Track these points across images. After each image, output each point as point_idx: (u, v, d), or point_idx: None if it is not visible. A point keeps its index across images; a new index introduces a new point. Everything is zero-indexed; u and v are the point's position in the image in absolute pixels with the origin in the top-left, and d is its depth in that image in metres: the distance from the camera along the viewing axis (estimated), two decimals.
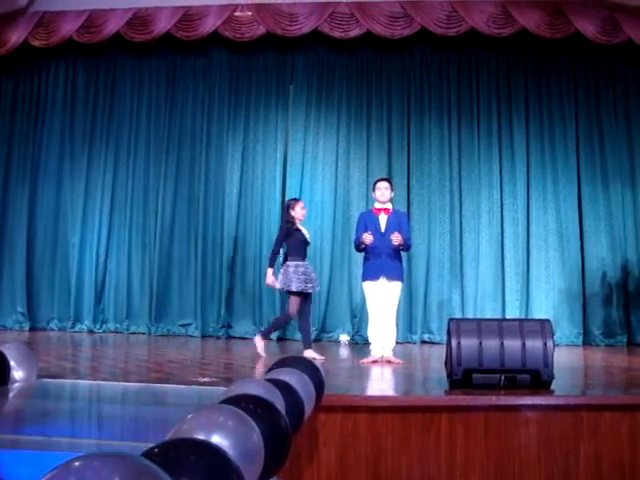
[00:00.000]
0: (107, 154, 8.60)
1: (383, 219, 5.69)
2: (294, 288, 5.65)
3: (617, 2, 7.35)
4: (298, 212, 5.91)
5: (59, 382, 3.93)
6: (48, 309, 8.44)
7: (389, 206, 5.79)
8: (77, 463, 1.04)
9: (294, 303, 5.70)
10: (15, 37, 8.19)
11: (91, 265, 8.40)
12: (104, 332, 8.25)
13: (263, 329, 6.18)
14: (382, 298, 5.54)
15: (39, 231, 8.56)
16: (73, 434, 2.45)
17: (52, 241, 8.54)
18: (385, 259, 5.57)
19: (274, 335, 7.91)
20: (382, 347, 5.56)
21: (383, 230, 5.63)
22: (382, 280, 5.55)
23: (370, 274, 5.59)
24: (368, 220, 5.72)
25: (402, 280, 5.73)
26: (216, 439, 1.46)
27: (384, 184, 5.82)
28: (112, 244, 8.48)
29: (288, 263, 5.75)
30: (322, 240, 8.06)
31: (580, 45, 7.96)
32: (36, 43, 8.27)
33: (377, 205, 5.78)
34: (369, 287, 5.60)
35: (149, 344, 7.32)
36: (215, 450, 1.35)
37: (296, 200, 6.16)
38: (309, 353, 5.52)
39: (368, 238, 5.52)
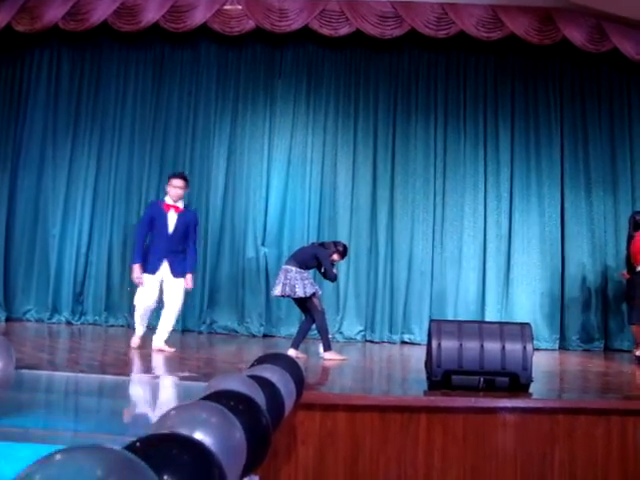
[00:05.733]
0: (91, 145, 8.47)
1: None
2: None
3: (605, 11, 7.42)
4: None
5: (37, 373, 3.88)
6: (25, 300, 8.29)
7: None
8: (59, 455, 1.03)
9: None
10: None
11: (71, 256, 8.28)
12: (82, 324, 8.15)
13: (322, 345, 5.89)
14: None
15: (18, 221, 8.40)
16: (50, 426, 2.42)
17: (31, 231, 8.39)
18: None
19: (259, 331, 7.89)
20: None
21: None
22: None
23: None
24: None
25: None
26: (199, 436, 1.45)
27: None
28: (94, 235, 8.37)
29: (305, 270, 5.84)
30: (308, 239, 8.03)
31: (567, 52, 8.03)
32: (20, 28, 8.10)
33: None
34: None
35: (128, 337, 7.23)
36: (198, 445, 1.34)
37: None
38: (292, 352, 5.55)
39: None
